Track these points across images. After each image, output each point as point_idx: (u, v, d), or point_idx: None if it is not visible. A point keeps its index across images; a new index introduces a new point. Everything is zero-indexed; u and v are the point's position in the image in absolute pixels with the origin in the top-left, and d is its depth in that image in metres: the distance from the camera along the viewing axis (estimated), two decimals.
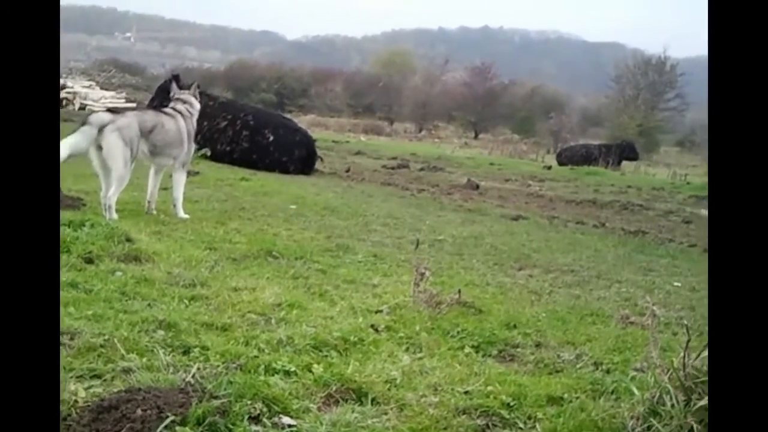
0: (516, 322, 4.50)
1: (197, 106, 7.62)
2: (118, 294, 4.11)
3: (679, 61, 58.81)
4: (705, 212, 14.07)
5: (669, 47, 61.27)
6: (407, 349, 3.80)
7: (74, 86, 32.09)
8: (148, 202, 7.28)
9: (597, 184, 19.01)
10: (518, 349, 4.05)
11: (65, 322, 3.39)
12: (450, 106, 58.43)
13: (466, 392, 3.26)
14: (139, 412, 2.55)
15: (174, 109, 7.37)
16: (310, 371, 3.23)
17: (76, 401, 2.64)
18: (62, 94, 27.42)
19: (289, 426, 2.74)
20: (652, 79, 55.54)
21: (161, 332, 3.53)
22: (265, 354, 3.40)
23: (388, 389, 3.18)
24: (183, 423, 2.55)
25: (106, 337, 3.31)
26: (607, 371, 3.77)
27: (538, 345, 4.17)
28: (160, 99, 14.28)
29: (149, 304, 3.99)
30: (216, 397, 2.74)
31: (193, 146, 7.75)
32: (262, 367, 3.19)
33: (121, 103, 29.13)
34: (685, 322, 4.30)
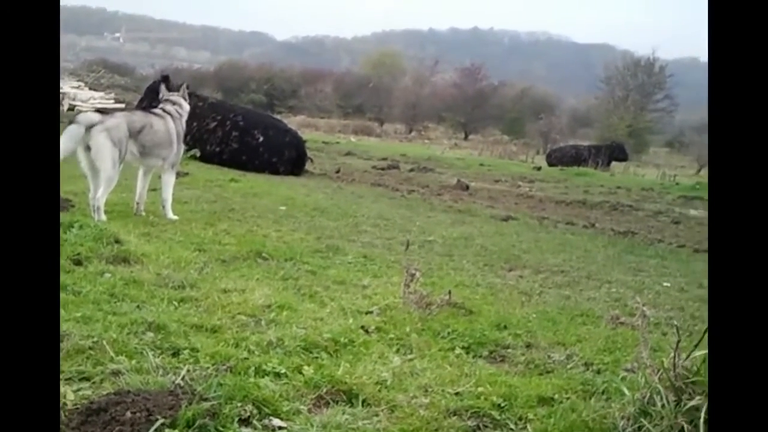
0: (506, 323, 4.50)
1: (186, 107, 7.60)
2: (107, 296, 4.08)
3: (668, 63, 59.18)
4: (694, 212, 14.15)
5: (658, 49, 61.56)
6: (398, 351, 3.79)
7: (63, 87, 31.90)
8: (137, 203, 7.26)
9: (587, 185, 19.07)
10: (509, 350, 4.05)
11: None
12: (440, 107, 58.49)
13: (456, 393, 3.25)
14: (128, 414, 2.54)
15: (163, 110, 7.35)
16: (301, 373, 3.22)
17: (65, 404, 2.63)
18: None
19: (280, 428, 2.73)
20: (642, 81, 55.77)
21: (150, 334, 3.51)
22: (255, 356, 3.38)
23: (379, 391, 3.17)
24: (172, 425, 2.54)
25: (95, 339, 3.29)
26: (598, 372, 3.78)
27: (528, 346, 4.17)
28: (150, 99, 14.23)
29: (138, 306, 3.97)
30: (206, 400, 2.72)
31: (182, 147, 7.74)
32: (252, 368, 3.18)
33: (110, 104, 28.97)
34: (675, 322, 4.31)
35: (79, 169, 6.65)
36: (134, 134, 6.87)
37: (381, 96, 59.63)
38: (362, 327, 4.06)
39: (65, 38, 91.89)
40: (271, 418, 2.77)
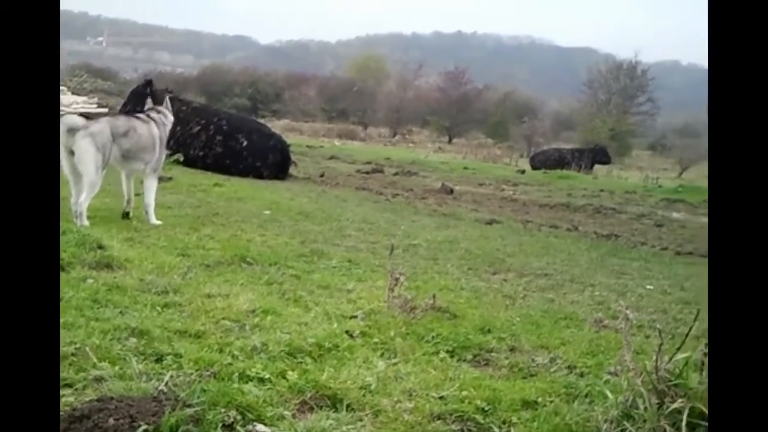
0: (490, 327, 4.51)
1: (171, 118, 7.67)
2: (90, 302, 4.06)
3: (650, 66, 59.56)
4: (677, 215, 14.24)
5: (640, 52, 61.91)
6: (382, 355, 3.79)
7: None
8: (127, 202, 7.30)
9: (570, 188, 19.16)
10: (493, 354, 4.06)
11: None
12: (424, 111, 58.50)
13: (441, 397, 3.26)
14: (111, 421, 2.52)
15: (148, 115, 7.37)
16: (285, 378, 3.21)
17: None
18: None
19: None
20: (624, 84, 56.11)
21: (133, 340, 3.49)
22: (239, 361, 3.37)
23: (363, 395, 3.17)
24: None
25: (78, 345, 3.27)
26: (581, 375, 3.80)
27: (512, 349, 4.18)
28: (133, 104, 14.21)
29: (121, 312, 3.95)
30: (189, 406, 2.71)
31: (165, 153, 7.75)
32: (236, 374, 3.17)
33: (93, 109, 28.79)
34: (658, 325, 4.34)
35: (61, 174, 6.61)
36: (118, 138, 6.87)
37: (365, 100, 59.58)
38: (347, 331, 4.06)
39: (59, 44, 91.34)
40: (255, 423, 2.76)
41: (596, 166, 30.80)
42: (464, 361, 3.92)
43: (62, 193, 7.03)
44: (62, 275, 4.56)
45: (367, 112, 58.90)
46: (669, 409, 2.74)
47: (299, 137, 34.15)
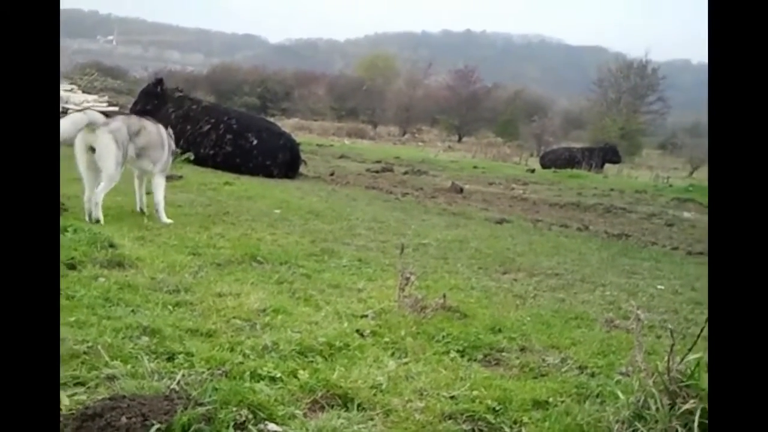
0: (501, 326, 4.50)
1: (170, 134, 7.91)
2: (102, 300, 4.07)
3: (661, 65, 59.33)
4: (687, 215, 14.18)
5: (650, 51, 61.60)
6: (393, 354, 3.79)
7: None
8: (141, 199, 7.52)
9: (580, 187, 19.11)
10: (503, 354, 4.06)
11: None
12: (433, 110, 58.51)
13: (451, 397, 3.26)
14: (123, 420, 2.53)
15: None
16: (296, 377, 3.22)
17: (60, 409, 2.62)
18: None
19: None
20: (634, 83, 55.89)
21: (145, 339, 3.50)
22: (251, 360, 3.38)
23: (374, 395, 3.18)
24: (168, 431, 2.53)
25: (90, 344, 3.28)
26: (592, 375, 3.79)
27: (523, 349, 4.18)
28: (144, 103, 14.25)
29: (133, 311, 3.97)
30: (201, 404, 2.72)
31: (172, 153, 7.91)
32: (248, 373, 3.18)
33: (103, 107, 28.86)
34: (669, 325, 4.32)
35: (76, 171, 6.68)
36: (132, 137, 7.08)
37: (374, 99, 59.60)
38: (357, 331, 4.06)
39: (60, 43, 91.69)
40: (266, 422, 2.77)
41: (606, 165, 30.69)
42: (475, 360, 3.91)
43: (74, 192, 7.10)
44: (74, 274, 4.59)
45: (377, 111, 58.93)
46: (681, 410, 2.73)
47: (309, 136, 34.18)
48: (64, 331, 3.39)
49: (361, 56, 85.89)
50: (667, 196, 18.14)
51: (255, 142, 14.12)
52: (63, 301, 3.91)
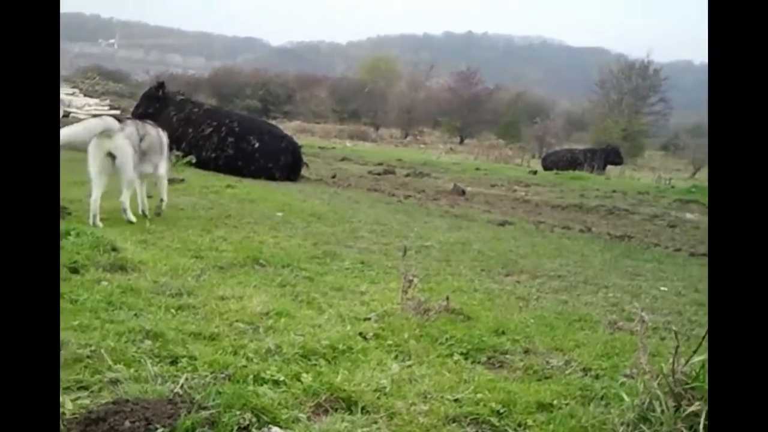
0: (504, 329, 4.50)
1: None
2: (104, 304, 4.07)
3: (663, 66, 59.22)
4: (690, 216, 14.17)
5: (652, 52, 61.35)
6: (396, 357, 3.79)
7: None
8: (142, 201, 7.65)
9: (582, 189, 19.08)
10: (507, 356, 4.05)
11: None
12: (435, 112, 58.48)
13: (455, 400, 3.25)
14: (127, 424, 2.53)
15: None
16: (299, 380, 3.21)
17: (63, 413, 2.62)
18: None
19: None
20: (636, 84, 55.80)
21: (148, 342, 3.50)
22: (254, 363, 3.38)
23: (378, 398, 3.17)
24: None
25: (93, 347, 3.28)
26: (596, 377, 3.78)
27: (526, 351, 4.17)
28: (145, 106, 14.26)
29: (136, 314, 3.97)
30: (204, 408, 2.72)
31: (169, 158, 8.26)
32: (251, 376, 3.17)
33: (105, 111, 28.91)
34: (673, 327, 4.32)
35: (86, 174, 6.81)
36: (140, 141, 7.30)
37: (376, 101, 59.58)
38: (360, 334, 4.06)
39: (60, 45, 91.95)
40: (270, 426, 2.76)
41: (609, 167, 30.62)
42: (478, 363, 3.90)
43: (77, 196, 7.11)
44: (77, 277, 4.59)
45: (379, 113, 58.90)
46: (686, 413, 2.72)
47: (311, 138, 34.17)
48: (67, 335, 3.39)
49: (362, 59, 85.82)
50: (669, 198, 18.11)
51: (257, 144, 14.13)
52: (66, 305, 3.92)
